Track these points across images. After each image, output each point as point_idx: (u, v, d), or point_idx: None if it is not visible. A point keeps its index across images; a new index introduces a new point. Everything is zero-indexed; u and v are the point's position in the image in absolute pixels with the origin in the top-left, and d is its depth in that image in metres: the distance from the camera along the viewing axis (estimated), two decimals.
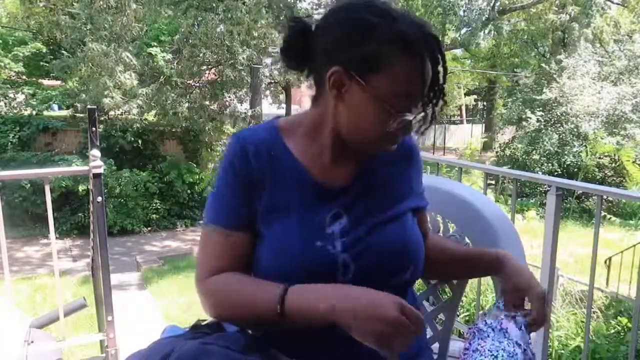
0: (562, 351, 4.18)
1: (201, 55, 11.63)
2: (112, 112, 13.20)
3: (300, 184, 0.94)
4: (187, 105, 12.55)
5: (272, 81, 16.29)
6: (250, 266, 0.94)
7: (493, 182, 10.23)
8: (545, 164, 11.93)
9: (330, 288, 0.85)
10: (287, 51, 0.94)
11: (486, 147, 17.92)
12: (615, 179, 11.75)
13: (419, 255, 0.99)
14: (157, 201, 12.60)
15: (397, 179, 1.03)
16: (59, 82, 14.65)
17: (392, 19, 0.86)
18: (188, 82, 13.07)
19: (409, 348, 0.81)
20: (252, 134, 0.97)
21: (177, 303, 6.83)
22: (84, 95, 11.43)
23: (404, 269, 0.96)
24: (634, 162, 11.10)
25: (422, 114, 0.91)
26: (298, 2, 17.35)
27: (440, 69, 0.90)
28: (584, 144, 11.62)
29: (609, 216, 9.24)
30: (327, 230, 0.92)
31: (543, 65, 13.85)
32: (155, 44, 13.44)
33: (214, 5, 11.39)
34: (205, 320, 0.96)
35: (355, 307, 0.80)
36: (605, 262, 5.94)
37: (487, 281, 3.78)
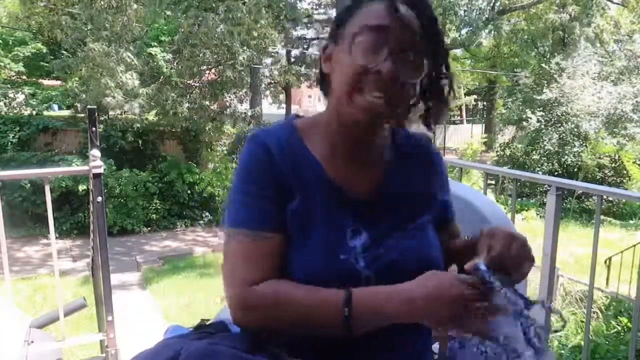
0: (562, 351, 4.19)
1: (201, 55, 11.63)
2: (112, 112, 13.20)
3: (322, 187, 0.91)
4: (187, 105, 12.55)
5: (272, 81, 16.30)
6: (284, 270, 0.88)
7: (493, 182, 10.23)
8: (546, 164, 11.94)
9: (392, 289, 0.83)
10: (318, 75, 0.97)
11: (486, 147, 17.93)
12: (615, 179, 11.75)
13: (438, 268, 0.93)
14: (157, 201, 12.59)
15: (419, 191, 0.99)
16: (59, 82, 14.65)
17: None
18: (188, 82, 13.08)
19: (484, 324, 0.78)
20: (271, 133, 0.94)
21: (177, 303, 6.84)
22: (84, 95, 11.43)
23: None
24: (634, 162, 11.10)
25: (402, 60, 0.84)
26: (298, 2, 17.37)
27: (425, 19, 0.84)
28: (584, 144, 11.63)
29: (609, 219, 9.24)
30: (349, 243, 0.89)
31: (543, 65, 13.84)
32: (155, 44, 13.44)
33: (213, 5, 11.40)
34: (208, 320, 0.96)
35: (428, 295, 0.79)
36: (605, 262, 5.94)
37: None
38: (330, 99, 0.93)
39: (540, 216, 9.24)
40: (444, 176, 1.05)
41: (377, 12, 0.84)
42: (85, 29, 10.60)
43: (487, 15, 13.88)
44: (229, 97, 14.09)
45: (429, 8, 0.86)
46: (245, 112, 14.09)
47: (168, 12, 11.83)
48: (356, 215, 0.91)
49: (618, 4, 15.82)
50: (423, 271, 0.86)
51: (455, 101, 0.93)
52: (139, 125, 12.57)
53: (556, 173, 11.37)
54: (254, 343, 0.84)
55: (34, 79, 14.59)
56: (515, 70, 19.41)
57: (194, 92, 13.33)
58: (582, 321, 4.46)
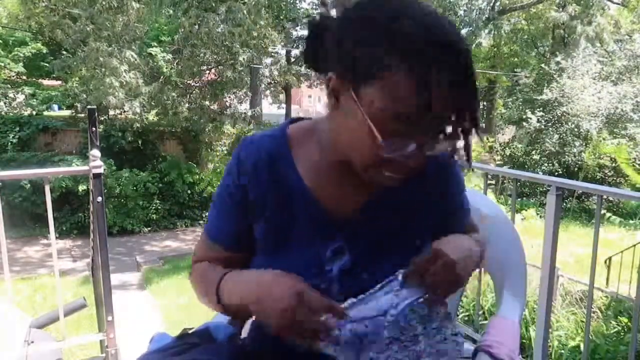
0: (562, 351, 4.19)
1: (201, 55, 11.64)
2: (112, 112, 13.20)
3: (304, 210, 0.85)
4: (187, 105, 12.56)
5: (272, 81, 16.29)
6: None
7: (493, 182, 10.23)
8: (546, 164, 11.94)
9: (254, 274, 0.83)
10: (305, 50, 0.82)
11: (486, 147, 17.91)
12: (615, 179, 11.76)
13: None
14: (157, 201, 12.60)
15: (417, 207, 0.88)
16: (59, 82, 14.66)
17: (395, 17, 0.68)
18: (188, 82, 13.08)
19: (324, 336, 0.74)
20: (258, 143, 0.88)
21: (177, 303, 6.83)
22: (84, 95, 11.44)
23: None
24: (632, 163, 11.10)
25: (438, 147, 0.72)
26: (298, 2, 17.37)
27: (465, 89, 0.68)
28: (584, 144, 11.63)
29: (608, 215, 9.24)
30: (326, 267, 0.84)
31: (543, 65, 13.85)
32: (155, 44, 13.45)
33: (214, 5, 11.40)
34: (192, 328, 0.95)
35: (258, 296, 0.77)
36: (605, 262, 5.94)
37: (487, 281, 3.79)
38: (331, 130, 0.80)
39: (540, 216, 9.24)
40: (458, 182, 0.93)
41: (409, 92, 0.66)
42: (87, 29, 10.60)
43: (487, 15, 13.89)
44: (229, 97, 14.10)
45: (473, 73, 0.70)
46: (245, 112, 14.09)
47: (170, 11, 11.83)
48: (339, 235, 0.85)
49: (618, 4, 15.82)
50: None
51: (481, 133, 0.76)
52: (139, 125, 12.58)
53: (556, 173, 11.38)
54: (234, 356, 0.84)
55: (34, 79, 14.59)
56: (515, 70, 19.41)
57: (194, 92, 13.34)
58: (582, 321, 4.46)
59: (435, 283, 0.78)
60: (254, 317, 0.87)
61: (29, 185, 11.02)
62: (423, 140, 0.70)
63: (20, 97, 13.30)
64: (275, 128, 0.91)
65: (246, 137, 0.91)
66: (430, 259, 0.78)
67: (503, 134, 16.05)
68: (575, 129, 11.69)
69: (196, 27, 11.33)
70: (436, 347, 0.80)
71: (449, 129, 0.71)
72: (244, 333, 0.98)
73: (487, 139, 15.73)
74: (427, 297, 0.79)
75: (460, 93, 0.68)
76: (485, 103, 24.87)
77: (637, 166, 11.13)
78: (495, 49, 19.01)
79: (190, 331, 0.94)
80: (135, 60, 10.89)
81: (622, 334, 4.41)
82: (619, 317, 4.67)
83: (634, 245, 6.18)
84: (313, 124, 0.90)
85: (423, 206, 0.88)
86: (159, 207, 12.62)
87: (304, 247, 0.85)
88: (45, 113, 13.37)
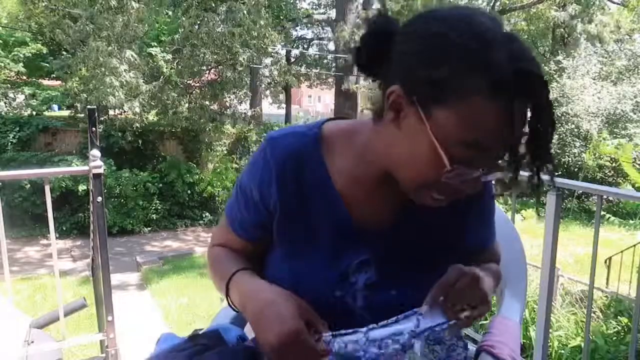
0: (562, 351, 4.19)
1: (201, 55, 11.64)
2: (112, 112, 13.20)
3: (332, 217, 0.82)
4: (187, 105, 12.56)
5: (272, 81, 16.30)
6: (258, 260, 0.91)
7: (493, 182, 10.23)
8: None
9: (259, 283, 0.81)
10: (361, 51, 0.77)
11: None
12: (615, 179, 11.76)
13: None
14: (157, 201, 12.60)
15: (450, 226, 0.86)
16: (59, 82, 14.66)
17: (483, 41, 0.65)
18: (188, 82, 13.09)
19: None
20: (287, 140, 0.83)
21: (177, 303, 6.83)
22: (84, 95, 11.44)
23: None
24: (633, 163, 11.10)
25: (498, 174, 0.70)
26: (298, 2, 17.38)
27: (541, 123, 0.66)
28: (584, 144, 11.64)
29: (607, 215, 9.24)
30: (350, 278, 0.81)
31: (545, 64, 13.84)
32: (155, 44, 13.45)
33: (214, 5, 11.40)
34: (202, 329, 0.94)
35: (257, 313, 0.75)
36: (605, 262, 5.94)
37: None
38: (382, 128, 0.76)
39: (540, 216, 9.24)
40: (489, 210, 0.92)
41: (487, 120, 0.65)
42: (87, 29, 10.60)
43: None
44: (229, 97, 14.10)
45: (551, 104, 0.67)
46: (245, 112, 14.10)
47: (169, 12, 11.83)
48: (367, 248, 0.82)
49: (618, 4, 15.82)
50: None
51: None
52: (139, 125, 12.58)
53: (556, 173, 11.38)
54: (243, 358, 0.83)
55: (34, 79, 14.59)
56: None
57: (194, 92, 13.34)
58: (582, 321, 4.46)
59: (460, 300, 0.76)
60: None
61: (29, 185, 11.02)
62: (490, 168, 0.69)
63: (20, 97, 13.30)
64: (310, 124, 0.86)
65: (272, 132, 0.85)
66: (455, 276, 0.76)
67: None
68: (575, 129, 11.69)
69: (196, 27, 11.34)
70: None
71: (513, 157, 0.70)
72: (249, 333, 0.98)
73: None
74: (452, 323, 0.77)
75: (537, 124, 0.66)
76: None
77: (638, 166, 11.12)
78: None
79: (200, 332, 0.93)
80: (135, 60, 10.89)
81: (622, 334, 4.41)
82: (619, 317, 4.67)
83: (634, 245, 6.19)
84: (352, 127, 0.85)
85: (456, 229, 0.86)
86: (159, 207, 12.62)
87: (328, 254, 0.82)
88: (45, 113, 13.37)
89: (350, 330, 0.76)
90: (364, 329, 0.76)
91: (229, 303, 0.85)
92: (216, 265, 0.92)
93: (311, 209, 0.82)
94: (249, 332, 0.98)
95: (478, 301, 0.77)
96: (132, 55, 10.74)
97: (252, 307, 0.77)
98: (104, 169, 2.46)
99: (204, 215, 13.11)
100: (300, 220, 0.82)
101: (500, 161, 0.70)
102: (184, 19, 11.53)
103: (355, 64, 0.78)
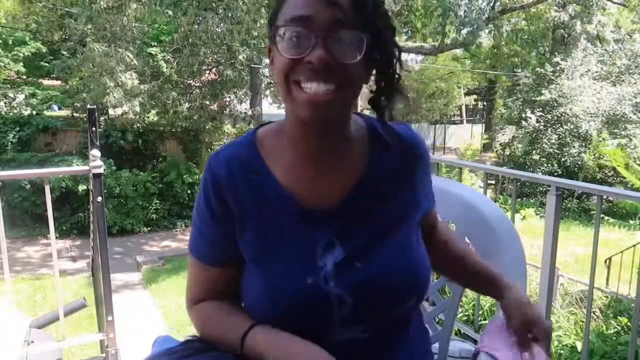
0: (562, 351, 4.18)
1: (201, 54, 11.63)
2: (112, 112, 13.19)
3: (286, 212, 0.84)
4: (187, 105, 12.55)
5: (272, 81, 16.28)
6: (236, 292, 0.90)
7: (493, 182, 10.23)
8: (546, 164, 11.94)
9: (285, 339, 0.80)
10: None
11: (486, 147, 17.93)
12: (615, 179, 11.76)
13: (425, 282, 0.88)
14: (157, 201, 12.59)
15: (401, 192, 0.89)
16: (59, 82, 14.64)
17: None
18: (188, 81, 13.08)
19: None
20: (227, 152, 0.88)
21: (177, 303, 6.83)
22: (84, 95, 11.44)
23: (406, 300, 0.87)
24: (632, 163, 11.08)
25: (318, 52, 0.74)
26: None
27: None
28: (583, 145, 11.63)
29: (607, 218, 9.24)
30: (318, 263, 0.83)
31: (539, 69, 13.83)
32: (155, 43, 13.43)
33: (213, 4, 11.39)
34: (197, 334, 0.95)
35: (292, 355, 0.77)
36: (605, 262, 5.95)
37: None
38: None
39: (540, 216, 9.24)
40: (426, 167, 0.95)
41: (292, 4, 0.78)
42: (85, 29, 10.60)
43: (487, 15, 13.86)
44: (229, 97, 14.09)
45: None
46: (245, 112, 14.07)
47: (169, 12, 11.81)
48: (327, 229, 0.84)
49: (618, 3, 15.81)
50: (404, 287, 0.85)
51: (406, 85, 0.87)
52: (139, 125, 12.57)
53: (556, 173, 11.37)
54: None
55: (34, 79, 14.57)
56: (515, 70, 19.40)
57: (194, 91, 13.33)
58: (582, 321, 4.46)
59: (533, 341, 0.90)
60: None
61: (29, 185, 11.01)
62: (320, 35, 0.75)
63: (21, 97, 13.29)
64: (244, 135, 0.91)
65: (215, 152, 0.90)
66: (545, 337, 0.90)
67: (503, 134, 16.05)
68: (575, 130, 11.69)
69: (195, 26, 11.33)
70: None
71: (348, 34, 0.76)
72: None
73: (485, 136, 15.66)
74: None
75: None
76: (485, 103, 24.92)
77: (638, 166, 11.12)
78: (496, 49, 18.99)
79: (195, 337, 0.94)
80: (132, 60, 10.87)
81: (621, 334, 4.41)
82: (618, 317, 4.67)
83: (634, 245, 6.19)
84: (280, 124, 0.89)
85: (401, 191, 0.89)
86: (159, 207, 12.61)
87: (294, 248, 0.84)
88: (45, 113, 13.36)
89: None
90: None
91: (240, 351, 0.84)
92: (214, 318, 0.90)
93: (264, 208, 0.84)
94: None
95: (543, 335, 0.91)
96: (127, 56, 10.72)
97: (283, 353, 0.78)
98: (104, 169, 2.46)
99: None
100: (258, 220, 0.84)
101: (322, 33, 0.75)
102: (182, 18, 11.51)
103: None
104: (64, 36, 10.82)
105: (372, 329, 0.86)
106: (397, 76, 0.83)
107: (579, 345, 3.95)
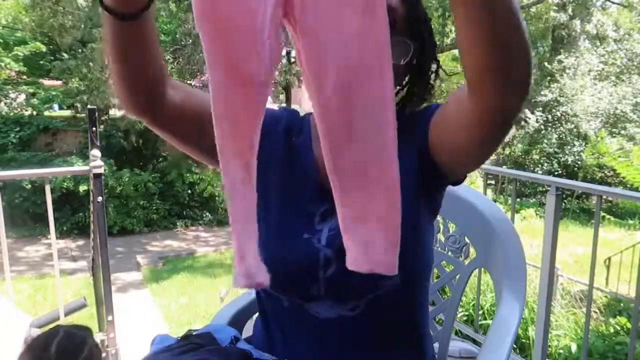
0: (562, 351, 4.19)
1: (202, 54, 11.63)
2: (112, 112, 13.18)
3: (305, 173, 0.92)
4: None
5: (272, 81, 16.30)
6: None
7: (493, 182, 10.23)
8: (545, 164, 11.94)
9: None
10: None
11: None
12: (615, 179, 11.76)
13: (409, 266, 0.80)
14: (158, 201, 12.59)
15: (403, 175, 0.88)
16: (59, 82, 14.63)
17: None
18: (189, 82, 13.08)
19: None
20: (299, 114, 1.00)
21: (178, 303, 6.84)
22: (84, 96, 11.44)
23: (381, 277, 0.83)
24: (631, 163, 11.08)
25: None
26: None
27: None
28: (583, 144, 11.63)
29: (607, 217, 9.25)
30: (316, 226, 0.88)
31: (544, 65, 13.83)
32: None
33: None
34: (196, 330, 0.96)
35: None
36: (605, 262, 5.95)
37: (487, 281, 3.79)
38: None
39: (540, 216, 9.24)
40: (425, 117, 0.87)
41: None
42: (85, 29, 10.60)
43: None
44: None
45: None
46: None
47: (172, 7, 11.78)
48: (330, 199, 0.83)
49: (618, 3, 15.81)
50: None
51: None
52: (139, 125, 12.57)
53: (556, 173, 11.38)
54: (241, 358, 0.84)
55: (35, 79, 14.57)
56: None
57: None
58: (581, 321, 4.46)
59: None
60: (255, 318, 0.87)
61: (29, 185, 11.01)
62: None
63: (21, 97, 13.29)
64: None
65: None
66: None
67: None
68: (575, 130, 11.69)
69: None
70: None
71: None
72: (245, 333, 0.98)
73: None
74: None
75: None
76: None
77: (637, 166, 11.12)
78: None
79: (193, 333, 0.94)
80: None
81: (621, 333, 4.41)
82: (618, 317, 4.67)
83: (634, 245, 6.19)
84: None
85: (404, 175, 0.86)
86: (159, 207, 12.61)
87: (300, 207, 0.90)
88: (46, 113, 13.36)
89: None
90: None
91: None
92: None
93: (288, 161, 0.93)
94: (245, 333, 0.98)
95: None
96: None
97: None
98: (105, 169, 2.47)
99: (204, 215, 13.10)
100: (277, 167, 0.93)
101: None
102: (182, 15, 11.50)
103: None
104: (65, 34, 10.80)
105: (359, 309, 0.86)
106: (430, 86, 0.92)
107: (574, 347, 3.96)
